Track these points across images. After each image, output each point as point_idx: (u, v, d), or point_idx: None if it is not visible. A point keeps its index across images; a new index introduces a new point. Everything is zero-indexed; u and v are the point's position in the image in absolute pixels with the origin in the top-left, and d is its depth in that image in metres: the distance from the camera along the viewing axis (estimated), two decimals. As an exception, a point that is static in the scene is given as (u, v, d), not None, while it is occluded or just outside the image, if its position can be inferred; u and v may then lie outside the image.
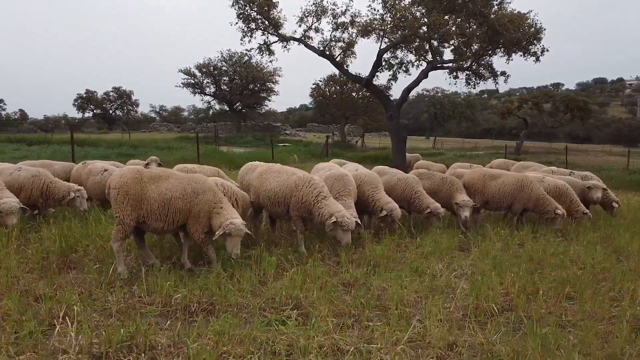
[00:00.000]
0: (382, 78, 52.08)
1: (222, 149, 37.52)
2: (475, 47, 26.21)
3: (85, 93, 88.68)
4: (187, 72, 56.65)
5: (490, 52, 26.21)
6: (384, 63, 27.26)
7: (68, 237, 6.72)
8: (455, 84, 27.89)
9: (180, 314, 4.76)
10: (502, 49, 25.52)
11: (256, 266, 6.06)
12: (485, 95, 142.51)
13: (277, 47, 29.28)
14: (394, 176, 9.64)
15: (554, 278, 6.05)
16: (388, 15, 24.63)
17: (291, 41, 25.40)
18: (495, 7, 24.47)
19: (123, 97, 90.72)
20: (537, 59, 24.71)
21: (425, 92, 73.27)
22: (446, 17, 22.89)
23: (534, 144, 62.94)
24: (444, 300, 5.32)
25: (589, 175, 12.10)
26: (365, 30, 24.81)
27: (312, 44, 25.51)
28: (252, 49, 25.84)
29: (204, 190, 6.08)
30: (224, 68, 57.07)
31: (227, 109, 61.11)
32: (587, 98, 67.95)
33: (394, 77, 28.02)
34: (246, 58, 51.31)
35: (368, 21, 24.99)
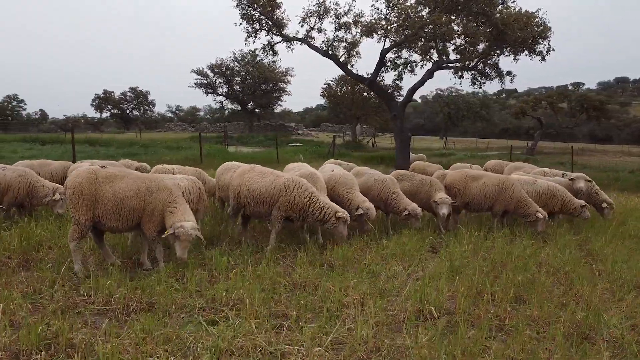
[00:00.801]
0: (390, 78, 52.01)
1: (230, 148, 37.88)
2: (482, 46, 25.93)
3: (102, 93, 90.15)
4: (199, 72, 57.20)
5: (498, 51, 25.93)
6: (388, 63, 27.20)
7: (31, 236, 6.83)
8: (460, 83, 27.64)
9: (119, 312, 4.82)
10: (508, 49, 25.21)
11: (210, 266, 6.10)
12: (504, 95, 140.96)
13: (281, 47, 29.35)
14: (371, 177, 9.59)
15: (510, 281, 5.95)
16: (392, 15, 24.51)
17: (295, 41, 25.42)
18: (500, 6, 24.18)
19: (140, 97, 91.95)
20: (543, 58, 24.37)
21: (439, 92, 72.65)
22: (450, 17, 22.65)
23: (551, 144, 61.99)
24: (388, 302, 5.28)
25: (580, 176, 11.87)
26: (369, 30, 24.73)
27: (315, 44, 25.51)
28: (256, 49, 25.91)
29: (159, 188, 6.13)
30: (236, 68, 57.47)
31: (239, 108, 61.49)
32: (609, 97, 66.54)
33: (399, 77, 27.93)
34: (258, 58, 51.82)
35: (373, 21, 24.90)
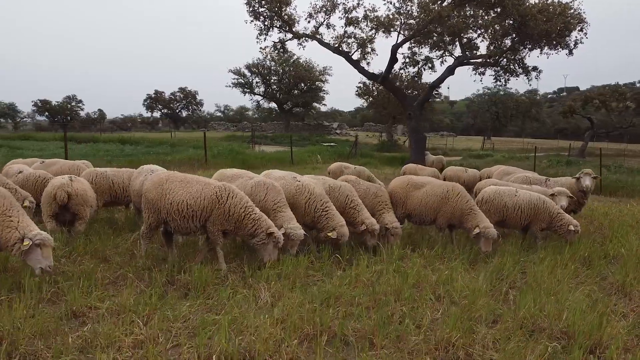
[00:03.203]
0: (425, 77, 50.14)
1: (257, 148, 37.75)
2: (507, 41, 24.17)
3: (154, 93, 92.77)
4: (236, 72, 57.44)
5: (529, 46, 24.05)
6: (407, 60, 25.92)
7: None
8: (481, 80, 25.83)
9: None
10: (536, 43, 23.31)
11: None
12: (565, 93, 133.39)
13: (293, 44, 28.67)
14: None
15: (367, 319, 4.87)
16: (408, 8, 23.19)
17: (305, 39, 24.59)
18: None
19: (188, 97, 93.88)
20: (570, 52, 22.29)
21: (486, 90, 69.18)
22: (455, 9, 21.09)
23: (605, 145, 57.57)
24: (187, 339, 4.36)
25: (562, 192, 10.37)
26: (387, 27, 23.52)
27: (326, 41, 24.58)
28: (267, 46, 25.28)
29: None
30: (273, 68, 57.25)
31: (277, 108, 61.34)
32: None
33: (419, 74, 26.57)
34: (295, 57, 51.38)
35: (390, 16, 23.68)
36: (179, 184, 6.61)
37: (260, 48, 24.91)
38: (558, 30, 21.55)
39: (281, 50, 25.46)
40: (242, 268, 6.39)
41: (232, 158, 25.74)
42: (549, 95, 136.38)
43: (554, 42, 22.19)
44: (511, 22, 21.95)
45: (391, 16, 23.33)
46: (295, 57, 53.85)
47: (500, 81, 25.24)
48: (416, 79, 27.97)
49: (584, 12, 23.20)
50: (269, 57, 56.24)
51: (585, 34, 23.30)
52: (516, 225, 8.69)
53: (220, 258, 6.54)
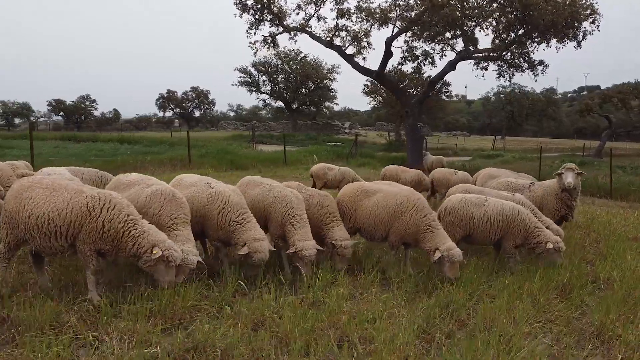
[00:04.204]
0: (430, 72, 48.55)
1: (258, 147, 36.76)
2: (513, 34, 22.52)
3: (166, 93, 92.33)
4: (243, 70, 56.37)
5: (537, 39, 22.36)
6: (406, 54, 24.45)
7: None
8: (483, 76, 24.13)
9: None
10: (545, 35, 21.63)
11: None
12: (585, 92, 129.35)
13: (284, 38, 27.29)
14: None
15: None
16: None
17: (297, 32, 23.27)
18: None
19: (200, 96, 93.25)
20: (579, 44, 20.58)
21: (501, 89, 66.87)
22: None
23: (626, 145, 55.03)
24: None
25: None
26: (385, 18, 22.11)
27: (319, 35, 23.25)
28: (257, 41, 23.99)
29: None
30: (280, 66, 56.03)
31: (284, 107, 60.17)
32: None
33: (418, 69, 25.08)
34: (302, 55, 50.16)
35: (387, 8, 22.25)
36: (43, 192, 5.28)
37: (250, 43, 23.62)
38: (566, 21, 19.86)
39: (271, 44, 24.15)
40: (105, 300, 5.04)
41: (220, 158, 24.41)
42: (569, 95, 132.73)
43: (562, 34, 20.49)
44: (516, 13, 20.35)
45: (387, 8, 21.92)
46: (302, 54, 52.67)
47: (504, 77, 23.61)
48: (415, 74, 26.46)
49: (596, 3, 21.51)
50: (258, 53, 55.29)
51: (598, 26, 21.57)
52: (485, 241, 7.24)
53: (90, 285, 5.21)
